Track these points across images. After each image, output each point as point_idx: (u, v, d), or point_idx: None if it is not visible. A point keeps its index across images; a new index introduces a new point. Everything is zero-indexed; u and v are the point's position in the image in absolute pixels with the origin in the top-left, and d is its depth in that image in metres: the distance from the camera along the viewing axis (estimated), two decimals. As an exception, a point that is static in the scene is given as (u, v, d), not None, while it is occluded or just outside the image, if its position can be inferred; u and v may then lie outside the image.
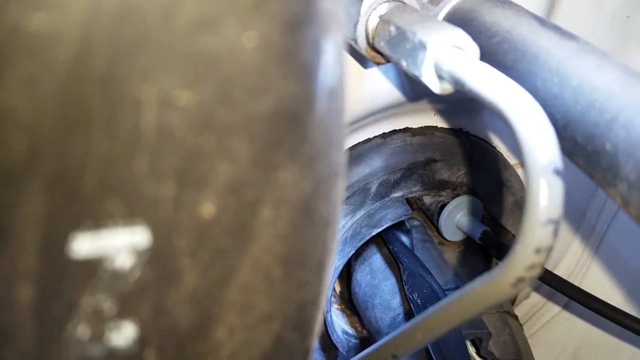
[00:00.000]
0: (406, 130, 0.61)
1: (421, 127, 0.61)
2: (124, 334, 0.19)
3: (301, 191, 0.20)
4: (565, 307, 0.75)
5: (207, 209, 0.18)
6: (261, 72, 0.17)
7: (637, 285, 0.68)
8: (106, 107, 0.16)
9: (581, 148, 0.31)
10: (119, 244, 0.18)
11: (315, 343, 0.66)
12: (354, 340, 0.67)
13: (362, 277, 0.65)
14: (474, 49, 0.34)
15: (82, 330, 0.18)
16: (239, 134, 0.18)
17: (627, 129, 0.28)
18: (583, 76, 0.31)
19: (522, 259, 0.27)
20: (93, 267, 0.18)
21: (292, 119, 0.19)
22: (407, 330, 0.36)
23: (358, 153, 0.60)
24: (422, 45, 0.34)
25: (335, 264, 0.61)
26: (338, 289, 0.72)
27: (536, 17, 0.37)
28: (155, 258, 0.18)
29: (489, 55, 0.37)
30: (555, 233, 0.27)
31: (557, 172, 0.27)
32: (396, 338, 0.37)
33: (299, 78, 0.18)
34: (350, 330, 0.68)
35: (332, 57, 0.21)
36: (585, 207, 0.70)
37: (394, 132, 0.61)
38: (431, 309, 0.33)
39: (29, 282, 0.17)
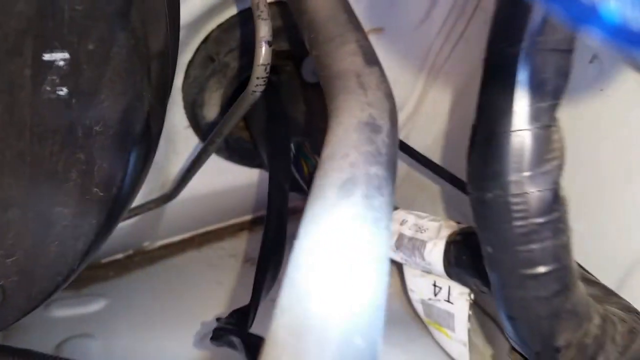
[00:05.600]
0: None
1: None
2: None
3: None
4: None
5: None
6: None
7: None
8: None
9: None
10: None
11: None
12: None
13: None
14: None
15: None
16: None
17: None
18: None
19: (256, 73, 0.54)
20: None
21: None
22: (220, 122, 0.64)
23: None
24: None
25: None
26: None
27: None
28: None
29: None
30: (269, 54, 0.53)
31: (268, 43, 0.53)
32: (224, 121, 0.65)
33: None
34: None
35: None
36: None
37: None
38: (232, 108, 0.61)
39: None
